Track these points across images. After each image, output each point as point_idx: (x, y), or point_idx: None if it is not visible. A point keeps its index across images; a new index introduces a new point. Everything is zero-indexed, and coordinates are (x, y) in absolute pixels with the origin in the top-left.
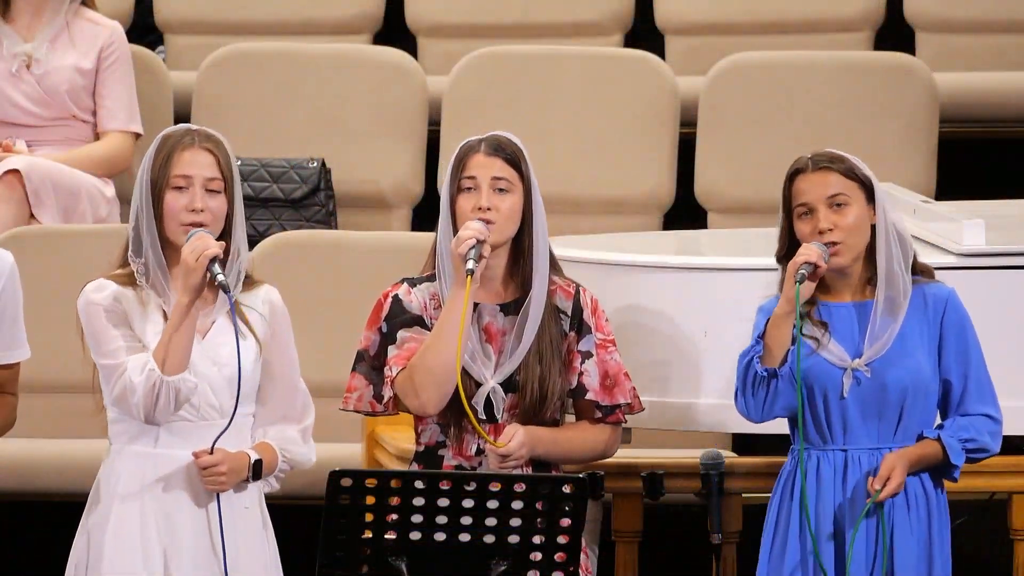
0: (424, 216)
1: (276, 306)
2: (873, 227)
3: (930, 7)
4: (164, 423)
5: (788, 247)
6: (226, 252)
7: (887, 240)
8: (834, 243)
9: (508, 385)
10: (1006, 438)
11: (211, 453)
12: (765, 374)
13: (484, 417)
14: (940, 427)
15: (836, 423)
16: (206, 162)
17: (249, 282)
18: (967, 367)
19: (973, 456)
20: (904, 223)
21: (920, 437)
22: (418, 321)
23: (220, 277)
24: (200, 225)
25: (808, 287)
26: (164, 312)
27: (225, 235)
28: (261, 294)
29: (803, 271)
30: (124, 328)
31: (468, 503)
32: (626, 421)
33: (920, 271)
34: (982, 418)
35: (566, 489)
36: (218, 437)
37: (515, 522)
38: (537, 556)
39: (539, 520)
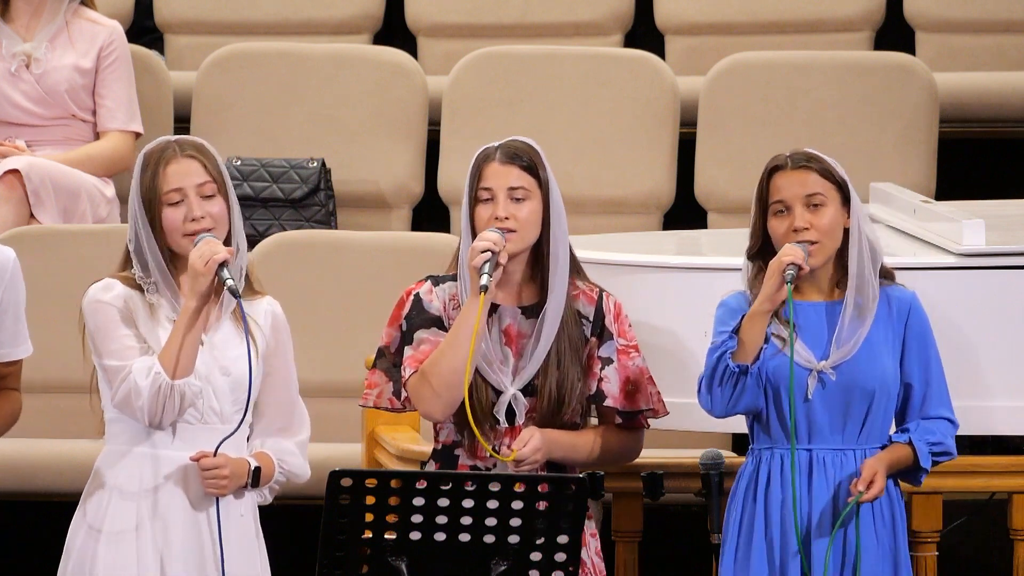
0: (424, 216)
1: (278, 319)
2: (846, 230)
3: (930, 7)
4: (167, 427)
5: (761, 244)
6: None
7: (860, 244)
8: (810, 242)
9: (526, 389)
10: (1006, 438)
11: (214, 456)
12: (736, 370)
13: (506, 424)
14: (904, 430)
15: (801, 423)
16: (194, 169)
17: (251, 291)
18: (929, 371)
19: (938, 459)
20: (872, 227)
21: (888, 441)
22: (436, 322)
23: (230, 282)
24: (207, 231)
25: (786, 289)
26: (175, 322)
27: (227, 236)
28: (263, 305)
29: (791, 271)
30: (131, 329)
31: (468, 503)
32: (648, 426)
33: (883, 274)
34: (943, 421)
35: (566, 489)
36: (224, 440)
37: (515, 522)
38: (537, 556)
39: (539, 520)
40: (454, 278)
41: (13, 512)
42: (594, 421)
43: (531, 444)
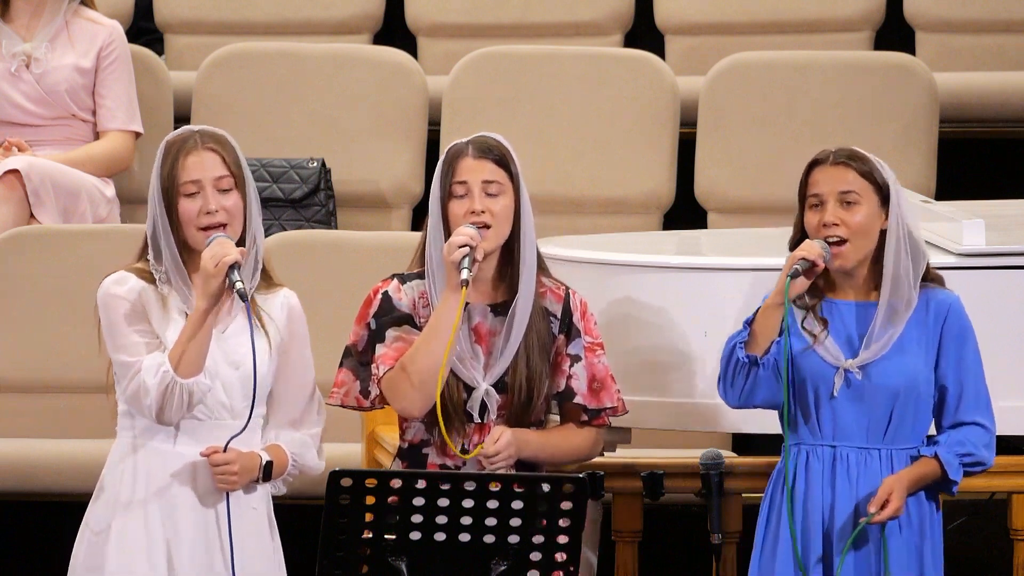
0: (424, 216)
1: (294, 310)
2: (883, 232)
3: (930, 7)
4: (174, 423)
5: (800, 237)
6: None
7: (897, 246)
8: (839, 240)
9: (496, 386)
10: (1006, 438)
11: (224, 452)
12: (747, 360)
13: (479, 420)
14: (935, 442)
15: (826, 419)
16: (212, 162)
17: (268, 283)
18: (964, 374)
19: (970, 470)
20: (920, 232)
21: (916, 456)
22: (407, 320)
23: (239, 285)
24: (221, 224)
25: (801, 283)
26: (186, 314)
27: (243, 230)
28: (279, 298)
29: (798, 266)
30: (142, 324)
31: (468, 503)
32: (610, 424)
33: (931, 278)
34: (975, 428)
35: (566, 489)
36: (233, 437)
37: (515, 522)
38: (537, 556)
39: (539, 520)
40: (420, 275)
41: (13, 512)
42: (554, 419)
43: (503, 440)
